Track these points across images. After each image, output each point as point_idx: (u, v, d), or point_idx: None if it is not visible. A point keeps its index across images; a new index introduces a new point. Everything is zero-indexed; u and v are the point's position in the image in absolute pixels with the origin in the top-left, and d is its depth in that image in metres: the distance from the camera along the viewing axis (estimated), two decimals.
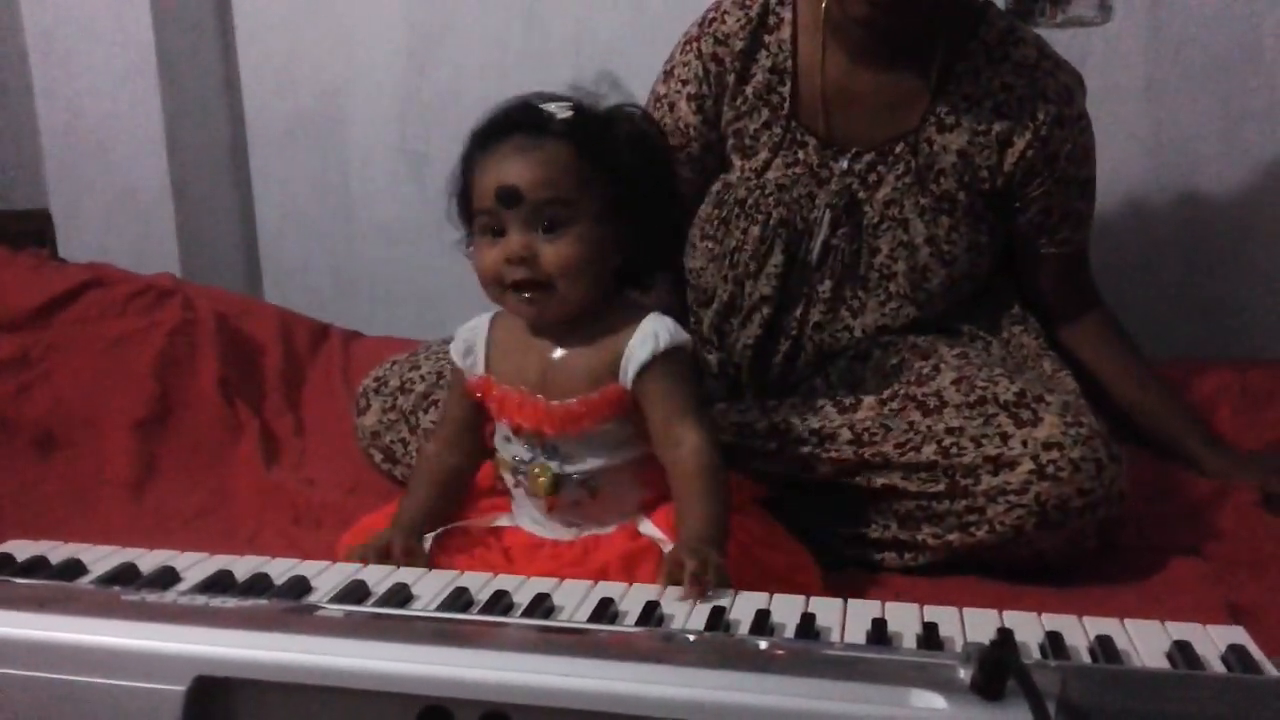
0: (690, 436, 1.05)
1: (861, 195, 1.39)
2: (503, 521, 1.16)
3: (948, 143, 1.38)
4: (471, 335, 1.15)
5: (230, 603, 0.80)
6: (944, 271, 1.39)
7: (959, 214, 1.39)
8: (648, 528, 1.10)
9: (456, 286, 2.19)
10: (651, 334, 1.07)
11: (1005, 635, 0.83)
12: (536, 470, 1.10)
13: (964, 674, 0.66)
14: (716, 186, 1.47)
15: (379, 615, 0.82)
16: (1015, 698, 0.63)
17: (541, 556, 1.09)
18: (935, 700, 0.65)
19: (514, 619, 0.85)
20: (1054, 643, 0.82)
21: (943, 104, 1.38)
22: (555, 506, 1.11)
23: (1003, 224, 1.44)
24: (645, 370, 1.06)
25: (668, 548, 1.05)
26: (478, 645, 0.72)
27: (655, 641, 0.77)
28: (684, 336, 1.08)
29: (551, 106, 1.07)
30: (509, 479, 1.15)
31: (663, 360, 1.06)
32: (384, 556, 1.04)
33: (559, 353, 1.10)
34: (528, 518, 1.15)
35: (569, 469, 1.09)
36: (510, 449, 1.12)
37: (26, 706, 0.73)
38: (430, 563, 1.06)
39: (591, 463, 1.09)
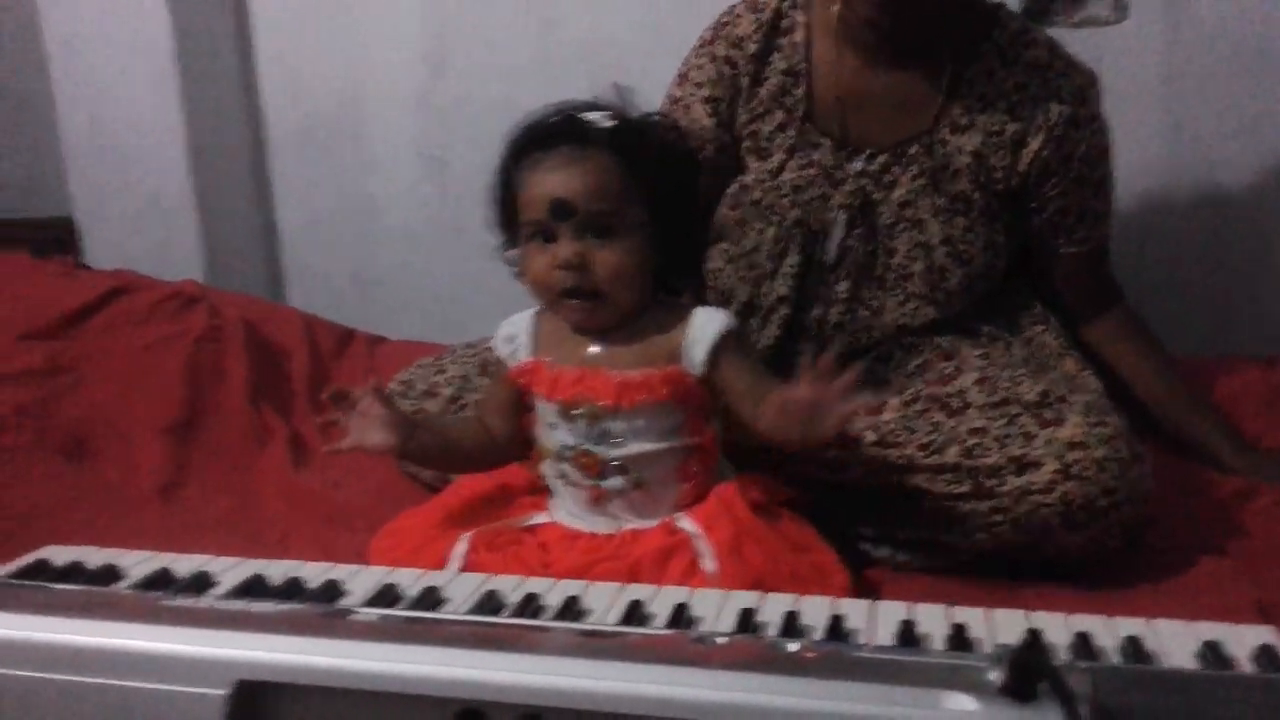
0: (777, 385, 1.10)
1: (876, 196, 1.40)
2: (539, 519, 1.18)
3: (962, 144, 1.38)
4: (515, 326, 1.19)
5: (269, 607, 0.81)
6: (961, 271, 1.39)
7: (974, 214, 1.39)
8: (685, 523, 1.12)
9: (476, 289, 2.21)
10: (710, 319, 1.13)
11: (1035, 637, 0.83)
12: (583, 456, 1.13)
13: (995, 676, 0.66)
14: (732, 189, 1.47)
15: (414, 619, 0.83)
16: (1047, 699, 0.64)
17: (578, 549, 1.12)
18: (967, 703, 0.65)
19: (547, 622, 0.86)
20: (1082, 643, 0.82)
21: (956, 105, 1.38)
22: (599, 498, 1.14)
23: (1019, 223, 1.44)
24: (717, 351, 1.11)
25: (702, 543, 1.07)
26: (512, 649, 0.73)
27: (688, 644, 0.78)
28: (733, 319, 1.14)
29: (594, 116, 1.10)
30: (550, 471, 1.18)
31: (730, 339, 1.12)
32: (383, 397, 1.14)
33: (605, 350, 1.14)
34: (565, 513, 1.17)
35: (614, 454, 1.12)
36: (555, 436, 1.15)
37: (70, 711, 0.75)
38: (465, 563, 1.09)
39: (636, 447, 1.12)
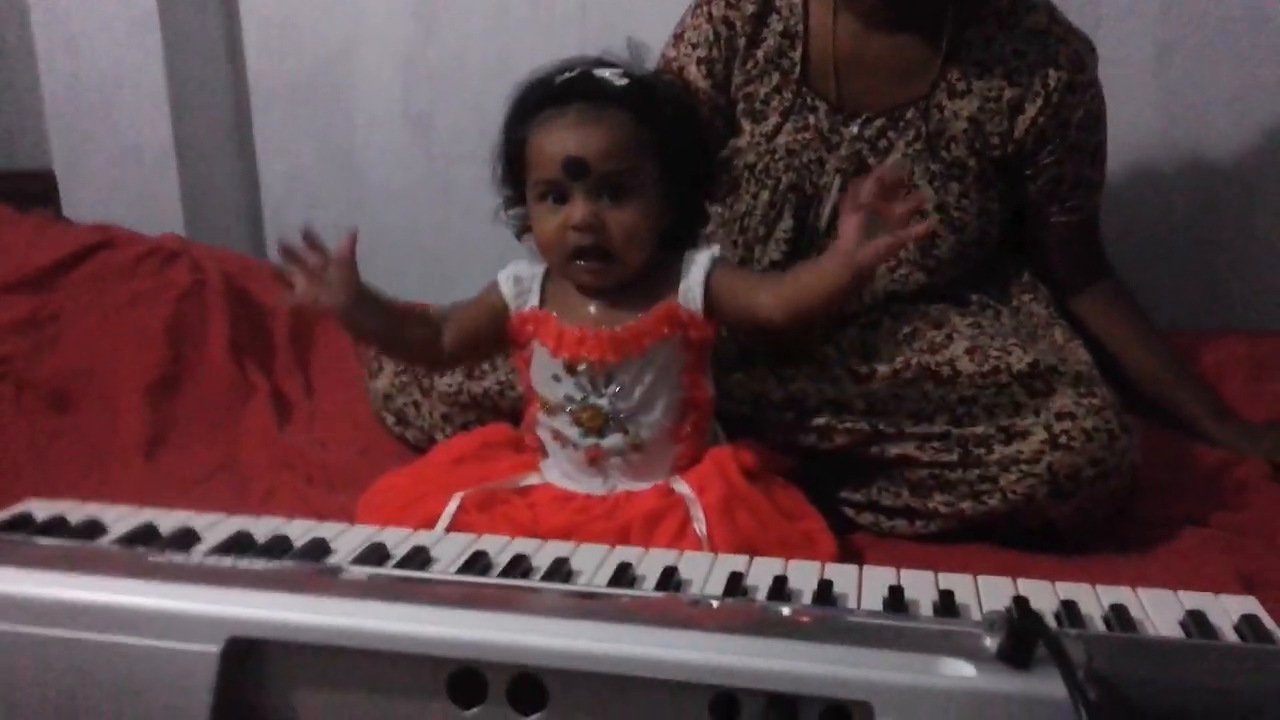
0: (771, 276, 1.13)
1: (872, 161, 1.39)
2: (531, 480, 1.18)
3: (959, 109, 1.37)
4: (527, 272, 1.17)
5: (258, 564, 0.81)
6: (953, 238, 1.39)
7: (969, 180, 1.39)
8: (679, 485, 1.13)
9: (461, 249, 2.20)
10: (699, 255, 1.13)
11: (1023, 603, 0.83)
12: (584, 410, 1.13)
13: (990, 642, 0.67)
14: (725, 152, 1.46)
15: (406, 578, 0.82)
16: (1042, 665, 0.64)
17: (569, 509, 1.12)
18: (965, 668, 0.65)
19: (540, 583, 0.86)
20: (1069, 611, 0.83)
21: (954, 70, 1.37)
22: (596, 459, 1.13)
23: (1013, 191, 1.43)
24: (711, 276, 1.11)
25: (695, 506, 1.08)
26: (508, 609, 0.73)
27: (683, 606, 0.78)
28: (720, 249, 1.15)
29: (607, 74, 1.09)
30: (546, 431, 1.17)
31: (722, 262, 1.13)
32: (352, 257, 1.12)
33: (609, 309, 1.13)
34: (558, 472, 1.17)
35: (620, 405, 1.12)
36: (559, 389, 1.14)
37: (63, 666, 0.74)
38: (452, 523, 1.08)
39: (639, 396, 1.12)
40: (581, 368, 1.12)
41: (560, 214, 1.08)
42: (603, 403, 1.12)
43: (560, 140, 1.07)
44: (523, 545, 0.95)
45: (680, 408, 1.14)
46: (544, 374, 1.15)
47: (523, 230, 1.18)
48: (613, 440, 1.13)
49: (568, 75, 1.10)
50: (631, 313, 1.12)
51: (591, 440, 1.13)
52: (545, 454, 1.19)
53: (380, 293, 1.16)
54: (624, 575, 0.89)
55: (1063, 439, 1.15)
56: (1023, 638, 0.64)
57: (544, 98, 1.10)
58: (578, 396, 1.13)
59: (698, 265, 1.12)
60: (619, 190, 1.08)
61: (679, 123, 1.13)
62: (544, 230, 1.10)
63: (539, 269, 1.17)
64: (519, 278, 1.17)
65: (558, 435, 1.16)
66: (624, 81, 1.09)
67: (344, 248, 1.13)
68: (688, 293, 1.11)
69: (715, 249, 1.14)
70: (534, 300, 1.16)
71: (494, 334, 1.18)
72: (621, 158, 1.07)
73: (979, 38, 1.37)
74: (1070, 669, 0.60)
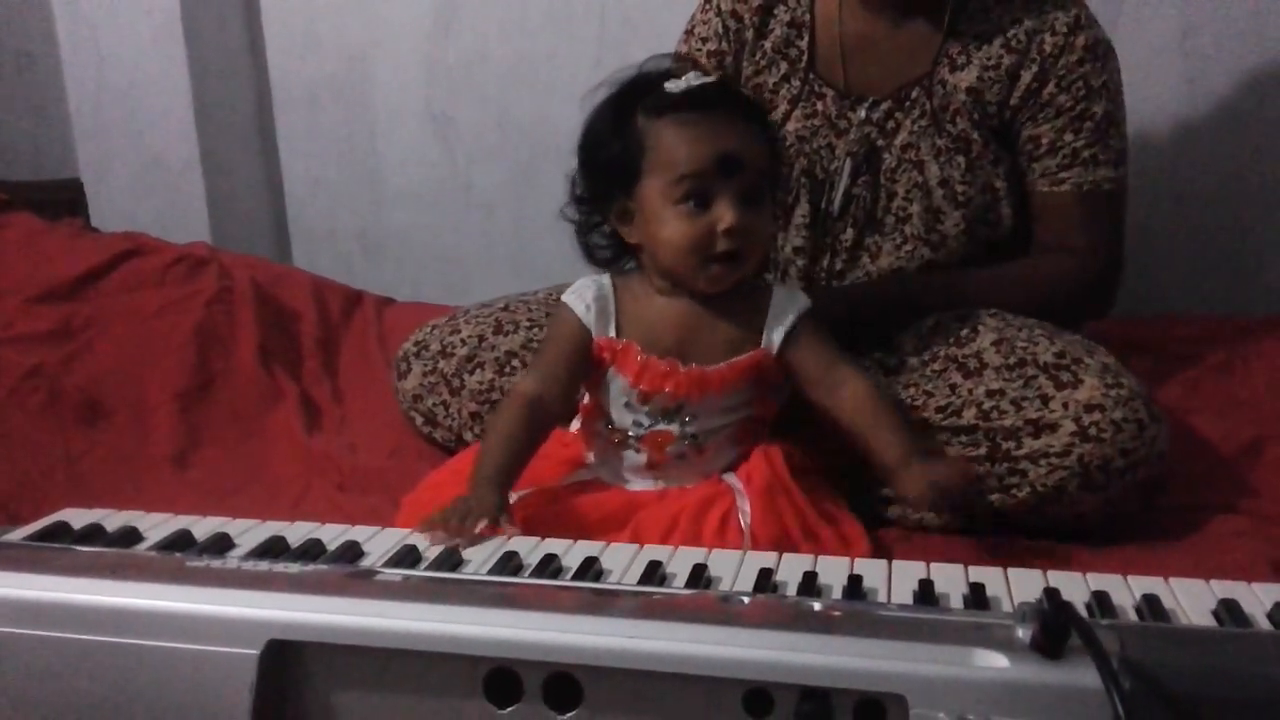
0: (852, 377, 1.13)
1: (880, 143, 1.40)
2: (581, 476, 1.18)
3: (959, 81, 1.38)
4: (600, 295, 1.16)
5: (294, 568, 0.82)
6: (957, 214, 1.39)
7: (973, 155, 1.38)
8: (730, 478, 1.14)
9: (483, 249, 2.21)
10: (791, 298, 1.15)
11: (1055, 594, 0.83)
12: (658, 436, 1.14)
13: (1022, 633, 0.67)
14: None
15: (440, 579, 0.83)
16: (1075, 655, 0.64)
17: (619, 500, 1.13)
18: (998, 659, 0.66)
19: (574, 582, 0.86)
20: (1101, 602, 0.83)
21: (954, 44, 1.38)
22: (656, 464, 1.15)
23: (1015, 167, 1.42)
24: (794, 331, 1.13)
25: (742, 498, 1.10)
26: (542, 608, 0.74)
27: (716, 603, 0.78)
28: (810, 300, 1.16)
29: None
30: (604, 439, 1.17)
31: (807, 319, 1.14)
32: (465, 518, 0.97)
33: (696, 319, 1.14)
34: (608, 470, 1.18)
35: (689, 429, 1.13)
36: (628, 415, 1.14)
37: (105, 671, 0.75)
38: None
39: (707, 423, 1.13)
40: (656, 399, 1.12)
41: (705, 217, 1.07)
42: (673, 429, 1.13)
43: (712, 137, 1.06)
44: (552, 545, 0.96)
45: (744, 423, 1.16)
46: (616, 400, 1.15)
47: (588, 229, 1.18)
48: (675, 448, 1.14)
49: (704, 81, 1.09)
50: (715, 327, 1.13)
51: (654, 452, 1.15)
52: (595, 455, 1.20)
53: (508, 469, 1.07)
54: (654, 573, 0.90)
55: (1092, 430, 1.15)
56: (1055, 627, 0.64)
57: (674, 100, 1.08)
58: (645, 423, 1.14)
59: (789, 312, 1.13)
60: (758, 195, 1.09)
61: (779, 151, 1.18)
62: (682, 233, 1.08)
63: (606, 285, 1.16)
64: (598, 306, 1.15)
65: (620, 445, 1.16)
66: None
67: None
68: (770, 336, 1.13)
69: (803, 301, 1.15)
70: (612, 329, 1.15)
71: (588, 361, 1.16)
72: (764, 162, 1.10)
73: (978, 9, 1.38)
74: (1104, 657, 0.61)
